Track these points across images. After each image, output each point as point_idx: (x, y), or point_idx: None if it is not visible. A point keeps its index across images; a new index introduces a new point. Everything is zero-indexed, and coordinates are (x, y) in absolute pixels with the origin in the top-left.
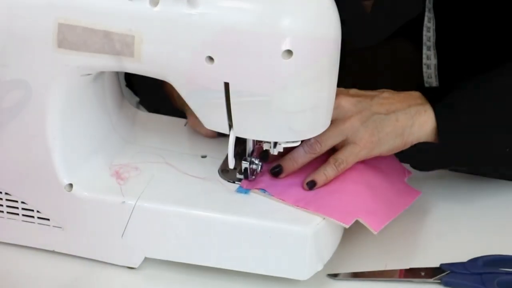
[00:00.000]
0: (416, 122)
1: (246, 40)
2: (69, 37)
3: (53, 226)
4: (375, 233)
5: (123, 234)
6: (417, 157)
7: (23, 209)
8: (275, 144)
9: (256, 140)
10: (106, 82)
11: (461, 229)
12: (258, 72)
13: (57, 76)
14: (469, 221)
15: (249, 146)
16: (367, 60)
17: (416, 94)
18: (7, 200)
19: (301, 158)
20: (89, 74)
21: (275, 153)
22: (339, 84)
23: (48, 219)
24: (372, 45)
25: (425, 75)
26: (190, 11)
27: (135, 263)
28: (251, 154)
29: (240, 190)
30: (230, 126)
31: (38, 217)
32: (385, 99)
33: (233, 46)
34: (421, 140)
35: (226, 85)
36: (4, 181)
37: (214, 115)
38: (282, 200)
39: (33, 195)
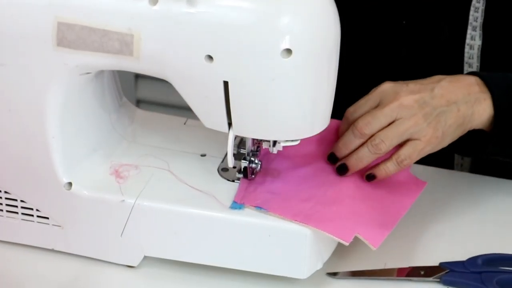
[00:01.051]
0: (476, 110)
1: (246, 39)
2: (68, 36)
3: (53, 225)
4: (374, 249)
5: (122, 232)
6: (466, 144)
7: (22, 207)
8: (274, 142)
9: (256, 139)
10: (105, 81)
11: (460, 228)
12: (257, 71)
13: (56, 75)
14: (469, 220)
15: (248, 145)
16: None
17: (473, 80)
18: (6, 199)
19: (366, 157)
20: (88, 73)
21: (275, 151)
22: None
23: (48, 218)
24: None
25: (466, 55)
26: (189, 10)
27: (135, 261)
28: (250, 153)
29: (234, 206)
30: (230, 124)
31: (38, 216)
32: (444, 88)
33: (232, 45)
34: (477, 128)
35: (225, 83)
36: (4, 180)
37: (213, 113)
38: (279, 215)
39: (33, 194)
